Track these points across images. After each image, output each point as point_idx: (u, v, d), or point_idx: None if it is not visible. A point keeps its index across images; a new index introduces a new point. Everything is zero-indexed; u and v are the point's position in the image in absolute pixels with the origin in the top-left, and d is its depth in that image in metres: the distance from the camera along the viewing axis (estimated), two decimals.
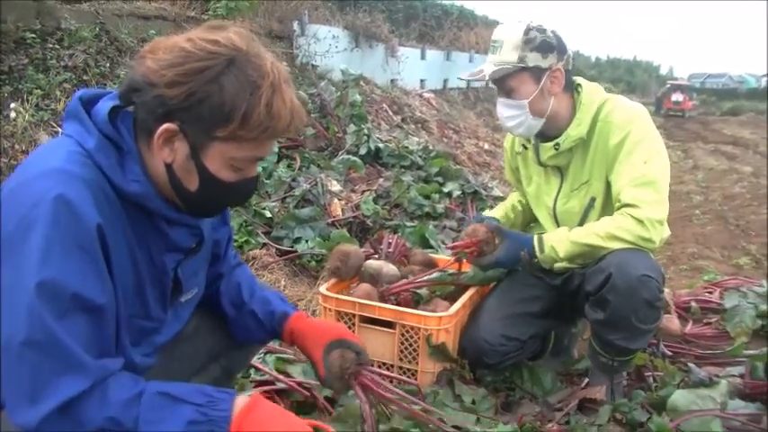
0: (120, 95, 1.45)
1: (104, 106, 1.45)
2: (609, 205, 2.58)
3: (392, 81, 11.15)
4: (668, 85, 33.83)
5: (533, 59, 2.51)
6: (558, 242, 2.53)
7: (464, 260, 2.79)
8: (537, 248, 2.57)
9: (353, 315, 2.64)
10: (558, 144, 2.60)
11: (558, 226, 2.73)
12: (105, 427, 1.30)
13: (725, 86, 45.53)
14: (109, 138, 1.42)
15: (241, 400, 1.43)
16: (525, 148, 2.77)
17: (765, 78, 45.25)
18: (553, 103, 2.56)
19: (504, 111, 2.60)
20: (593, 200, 2.62)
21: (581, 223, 2.64)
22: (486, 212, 3.09)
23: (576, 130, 2.57)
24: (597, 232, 2.45)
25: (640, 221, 2.38)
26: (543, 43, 2.51)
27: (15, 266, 1.27)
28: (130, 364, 1.46)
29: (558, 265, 2.60)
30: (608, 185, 2.57)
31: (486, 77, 2.52)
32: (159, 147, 1.42)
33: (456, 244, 2.71)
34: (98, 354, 1.32)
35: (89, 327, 1.31)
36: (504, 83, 2.55)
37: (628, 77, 49.80)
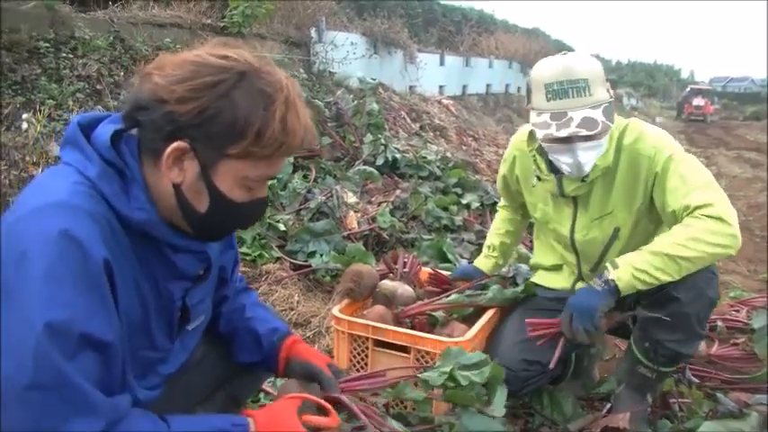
0: (125, 116, 1.39)
1: (105, 130, 1.39)
2: (635, 235, 2.51)
3: (411, 88, 11.11)
4: (689, 89, 33.62)
5: (611, 92, 2.38)
6: (633, 258, 2.33)
7: None
8: (610, 267, 2.34)
9: (367, 338, 2.55)
10: (585, 177, 2.45)
11: (579, 256, 2.66)
12: None
13: (747, 90, 45.30)
14: (111, 164, 1.36)
15: (252, 429, 1.45)
16: (539, 179, 2.58)
17: None
18: None
19: (584, 156, 2.35)
20: (617, 230, 2.52)
21: (603, 254, 2.57)
22: (477, 262, 3.06)
23: (603, 160, 2.41)
24: (677, 241, 2.24)
25: (720, 219, 2.21)
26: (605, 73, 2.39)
27: (18, 307, 1.20)
28: (134, 400, 1.40)
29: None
30: (634, 215, 2.47)
31: (605, 125, 2.26)
32: (168, 166, 1.36)
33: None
34: (106, 392, 1.26)
35: (97, 365, 1.25)
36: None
37: (648, 81, 49.61)
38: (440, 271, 3.03)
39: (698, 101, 31.05)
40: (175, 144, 1.33)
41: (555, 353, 2.55)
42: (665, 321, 2.38)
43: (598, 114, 2.25)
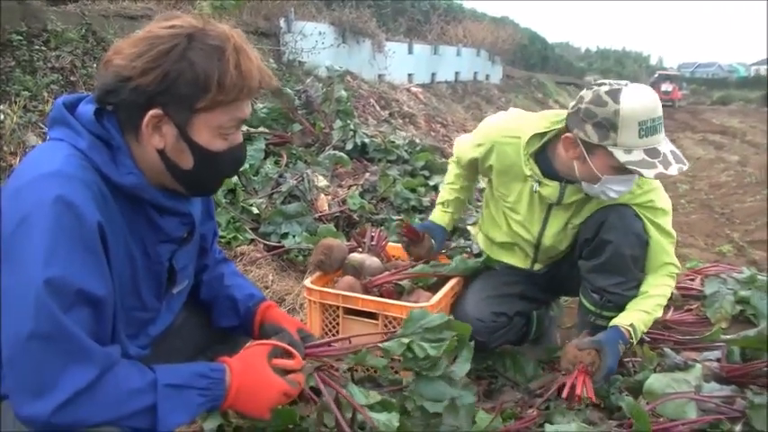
0: (98, 100, 1.51)
1: (87, 108, 1.51)
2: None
3: (380, 76, 11.18)
4: (657, 75, 33.96)
5: None
6: (642, 325, 2.61)
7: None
8: (633, 338, 2.57)
9: (337, 307, 2.70)
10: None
11: (538, 256, 2.87)
12: (118, 416, 1.38)
13: (715, 76, 45.76)
14: (99, 137, 1.48)
15: (228, 375, 1.60)
16: (539, 183, 2.65)
17: (755, 67, 45.39)
18: None
19: (620, 187, 2.48)
20: (576, 233, 2.75)
21: (562, 264, 2.88)
22: (434, 218, 3.17)
23: None
24: (660, 303, 2.66)
25: (675, 274, 2.73)
26: None
27: (18, 266, 1.32)
28: (126, 355, 1.53)
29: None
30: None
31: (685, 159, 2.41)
32: (149, 135, 1.49)
33: (570, 382, 2.47)
34: (99, 344, 1.38)
35: (91, 319, 1.38)
36: None
37: (618, 68, 49.96)
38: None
39: (666, 86, 31.39)
40: (150, 112, 1.46)
41: (517, 307, 2.89)
42: (603, 267, 2.61)
43: (674, 146, 2.40)
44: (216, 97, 1.47)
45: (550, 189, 2.64)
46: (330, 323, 2.74)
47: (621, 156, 2.32)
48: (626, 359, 2.92)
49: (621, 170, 2.38)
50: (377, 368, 2.23)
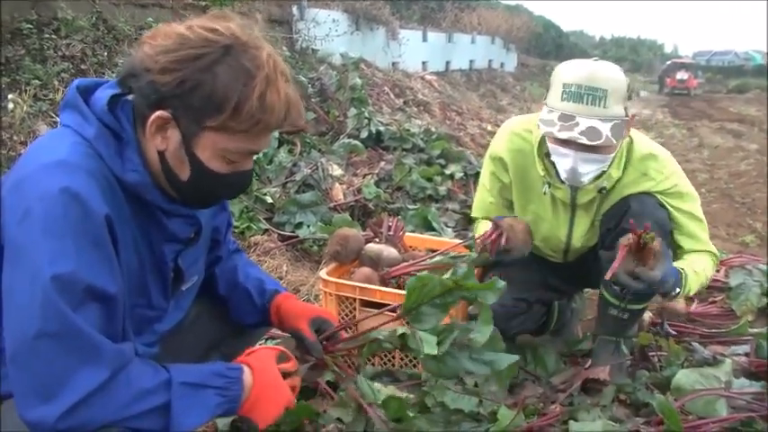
0: (119, 81, 1.44)
1: (103, 95, 1.43)
2: None
3: (393, 64, 11.10)
4: (669, 63, 33.69)
5: (629, 109, 2.37)
6: (695, 282, 2.47)
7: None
8: (683, 284, 2.40)
9: (354, 299, 2.62)
10: (603, 188, 2.50)
11: (567, 258, 2.78)
12: (128, 416, 1.31)
13: (731, 64, 45.30)
14: (108, 127, 1.41)
15: (247, 374, 1.54)
16: (549, 185, 2.56)
17: None
18: None
19: (584, 167, 2.36)
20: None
21: (587, 254, 2.72)
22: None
23: (616, 172, 2.48)
24: (706, 269, 2.52)
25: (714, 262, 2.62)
26: (630, 88, 2.39)
27: (24, 262, 1.26)
28: (136, 353, 1.46)
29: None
30: None
31: (608, 140, 2.24)
32: (152, 134, 1.41)
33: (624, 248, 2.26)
34: (111, 341, 1.32)
35: (102, 316, 1.31)
36: None
37: (632, 56, 49.65)
38: None
39: (681, 74, 31.13)
40: (158, 113, 1.37)
41: (537, 294, 2.79)
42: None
43: (605, 128, 2.23)
44: (227, 121, 1.38)
45: (561, 191, 2.56)
46: (346, 315, 2.67)
47: (543, 113, 2.34)
48: (651, 353, 2.85)
49: (559, 141, 2.33)
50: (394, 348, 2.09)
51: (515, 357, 1.93)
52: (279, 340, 2.11)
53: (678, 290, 2.38)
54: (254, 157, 1.60)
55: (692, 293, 2.51)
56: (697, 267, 2.47)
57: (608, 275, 2.22)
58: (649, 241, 2.20)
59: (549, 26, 28.87)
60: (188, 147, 1.42)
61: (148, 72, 1.35)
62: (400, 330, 1.78)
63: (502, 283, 1.84)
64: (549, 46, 27.13)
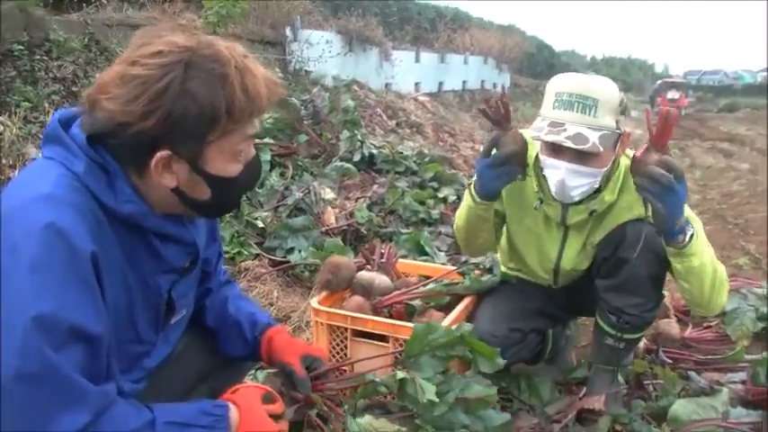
0: (90, 138, 1.39)
1: (80, 132, 1.40)
2: None
3: (386, 85, 11.13)
4: (660, 83, 33.87)
5: (623, 123, 2.33)
6: (703, 248, 2.33)
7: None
8: (694, 239, 2.27)
9: (346, 329, 2.58)
10: (594, 211, 2.46)
11: (557, 279, 2.72)
12: None
13: (720, 83, 45.58)
14: (94, 161, 1.38)
15: (233, 413, 1.51)
16: (541, 202, 2.53)
17: (761, 74, 45.34)
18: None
19: (574, 180, 2.31)
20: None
21: (582, 281, 2.67)
22: None
23: (610, 196, 2.45)
24: (714, 261, 2.37)
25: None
26: (624, 104, 2.35)
27: (6, 300, 1.21)
28: (120, 392, 1.42)
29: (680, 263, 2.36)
30: None
31: (595, 146, 2.19)
32: (159, 175, 1.38)
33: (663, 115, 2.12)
34: (93, 383, 1.28)
35: (86, 357, 1.27)
36: (587, 150, 2.23)
37: (623, 76, 49.84)
38: None
39: (672, 94, 31.24)
40: (159, 155, 1.35)
41: (532, 324, 2.71)
42: (621, 287, 2.46)
43: (593, 135, 2.20)
44: (226, 127, 1.37)
45: (552, 209, 2.52)
46: (338, 345, 2.63)
47: (535, 122, 2.32)
48: (646, 382, 2.81)
49: (551, 149, 2.32)
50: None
51: (507, 417, 1.91)
52: (269, 371, 2.06)
53: (690, 231, 2.26)
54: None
55: (695, 263, 2.30)
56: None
57: (639, 154, 2.15)
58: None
59: (541, 46, 28.99)
60: (199, 169, 1.41)
61: (127, 125, 1.31)
62: (400, 375, 1.75)
63: (502, 361, 1.80)
64: (541, 66, 27.23)
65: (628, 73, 53.34)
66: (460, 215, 2.67)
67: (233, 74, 1.35)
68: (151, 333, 1.59)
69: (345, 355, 2.60)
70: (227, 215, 1.50)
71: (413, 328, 1.94)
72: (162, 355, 1.68)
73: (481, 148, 2.47)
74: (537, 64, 26.48)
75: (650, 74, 57.99)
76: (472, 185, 2.54)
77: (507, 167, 2.38)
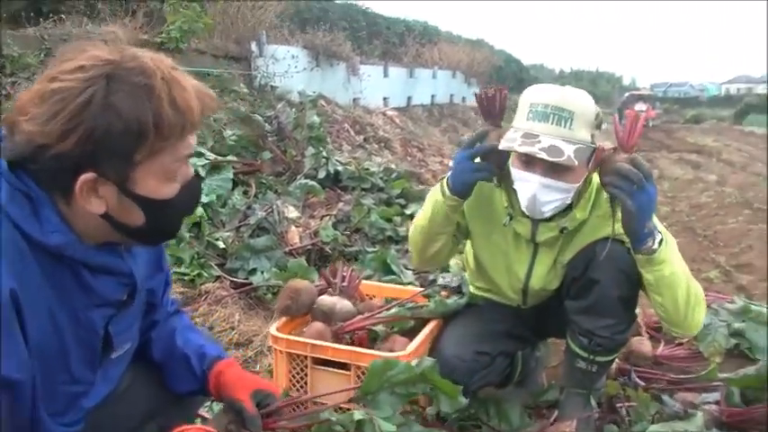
0: (10, 165, 1.27)
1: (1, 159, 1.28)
2: None
3: (354, 100, 11.07)
4: (627, 95, 34.33)
5: (598, 138, 2.25)
6: (673, 255, 2.26)
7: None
8: (663, 243, 2.20)
9: (306, 357, 2.46)
10: (565, 228, 2.38)
11: (526, 299, 2.63)
12: None
13: (686, 95, 46.39)
14: (16, 188, 1.26)
15: None
16: (511, 217, 2.44)
17: (725, 86, 46.26)
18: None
19: (546, 194, 2.23)
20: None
21: (551, 302, 2.57)
22: None
23: (581, 213, 2.37)
24: (690, 278, 2.30)
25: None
26: (600, 117, 2.27)
27: None
28: None
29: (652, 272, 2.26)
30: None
31: (570, 159, 2.10)
32: (85, 201, 1.27)
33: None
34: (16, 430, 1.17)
35: (6, 406, 1.17)
36: (560, 164, 2.14)
37: (591, 88, 50.39)
38: None
39: (640, 106, 31.68)
40: (81, 179, 1.23)
41: (500, 347, 2.60)
42: (591, 309, 2.37)
43: (568, 149, 2.12)
44: (155, 144, 1.25)
45: (522, 226, 2.44)
46: (298, 373, 2.51)
47: (508, 134, 2.23)
48: (619, 405, 2.72)
49: (523, 162, 2.24)
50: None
51: None
52: (221, 407, 1.94)
53: (659, 237, 2.20)
54: (200, 202, 1.48)
55: (665, 272, 2.22)
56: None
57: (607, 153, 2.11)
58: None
59: (509, 60, 29.20)
60: (129, 192, 1.29)
61: (47, 147, 1.20)
62: (357, 416, 1.64)
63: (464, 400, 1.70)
64: (510, 80, 27.35)
65: (596, 86, 54.04)
66: (423, 214, 2.56)
67: (159, 86, 1.24)
68: (87, 372, 1.47)
69: (306, 383, 2.49)
70: (172, 239, 1.40)
71: (370, 364, 1.82)
72: (102, 394, 1.56)
73: (465, 138, 2.40)
74: (506, 78, 26.61)
75: (618, 86, 58.80)
76: (445, 179, 2.44)
77: (488, 164, 2.31)
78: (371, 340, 2.63)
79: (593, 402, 2.59)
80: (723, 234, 7.04)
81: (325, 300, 2.66)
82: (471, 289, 2.85)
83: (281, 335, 2.51)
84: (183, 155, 1.35)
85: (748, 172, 12.42)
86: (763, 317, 3.66)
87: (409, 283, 3.88)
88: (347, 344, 2.52)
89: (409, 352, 2.37)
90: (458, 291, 3.02)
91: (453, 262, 3.41)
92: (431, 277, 3.57)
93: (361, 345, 2.54)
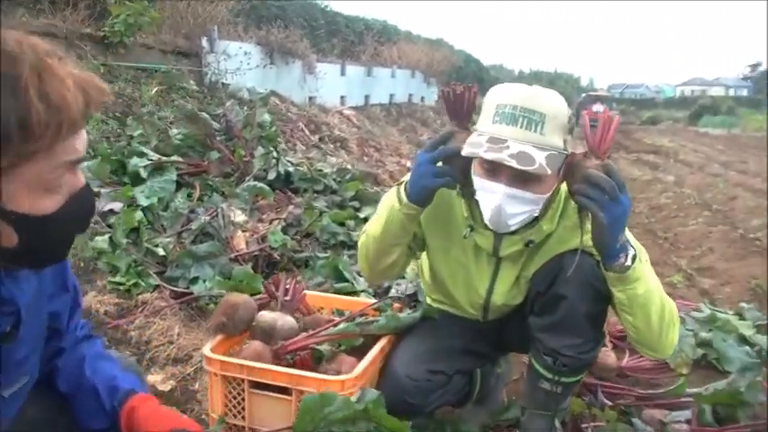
0: None
1: None
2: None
3: (310, 99, 10.87)
4: (584, 96, 34.66)
5: (571, 144, 2.03)
6: (646, 272, 2.05)
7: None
8: (636, 259, 1.99)
9: (242, 380, 2.22)
10: (531, 241, 2.18)
11: (486, 315, 2.42)
12: None
13: (643, 96, 47.11)
14: None
15: None
16: (471, 229, 2.25)
17: (680, 88, 47.15)
18: None
19: (512, 206, 2.03)
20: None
21: (514, 315, 2.38)
22: None
23: (549, 225, 2.18)
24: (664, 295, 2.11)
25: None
26: (573, 121, 2.07)
27: None
28: None
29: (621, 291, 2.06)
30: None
31: (542, 168, 1.89)
32: None
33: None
34: None
35: None
36: (529, 173, 1.93)
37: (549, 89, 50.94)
38: None
39: (597, 107, 32.02)
40: None
41: (457, 365, 2.38)
42: (557, 326, 2.17)
43: (539, 156, 1.90)
44: (21, 148, 1.01)
45: (484, 239, 2.23)
46: (235, 398, 2.26)
47: (471, 138, 2.01)
48: (584, 425, 2.54)
49: (487, 170, 2.03)
50: None
51: None
52: None
53: (632, 252, 1.99)
54: (92, 219, 1.22)
55: (639, 290, 2.02)
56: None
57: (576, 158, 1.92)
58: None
59: (469, 60, 29.21)
60: None
61: None
62: None
63: None
64: (469, 80, 27.29)
65: (555, 86, 54.38)
66: (376, 222, 2.32)
67: (27, 76, 1.00)
68: None
69: (243, 409, 2.24)
70: (60, 261, 1.20)
71: (302, 399, 1.58)
72: None
73: (427, 139, 2.16)
74: (465, 78, 26.59)
75: (576, 87, 59.43)
76: (402, 185, 2.22)
77: (451, 168, 2.09)
78: (316, 360, 2.38)
79: (558, 423, 2.41)
80: (684, 236, 6.99)
81: (266, 316, 2.41)
82: (427, 300, 2.63)
83: (214, 356, 2.25)
84: (65, 161, 1.10)
85: (705, 173, 12.51)
86: (730, 326, 3.54)
87: (363, 291, 3.67)
88: (288, 365, 2.28)
89: (357, 374, 2.14)
90: (413, 300, 2.81)
91: (409, 268, 3.19)
92: (386, 284, 3.36)
93: (304, 366, 2.30)
